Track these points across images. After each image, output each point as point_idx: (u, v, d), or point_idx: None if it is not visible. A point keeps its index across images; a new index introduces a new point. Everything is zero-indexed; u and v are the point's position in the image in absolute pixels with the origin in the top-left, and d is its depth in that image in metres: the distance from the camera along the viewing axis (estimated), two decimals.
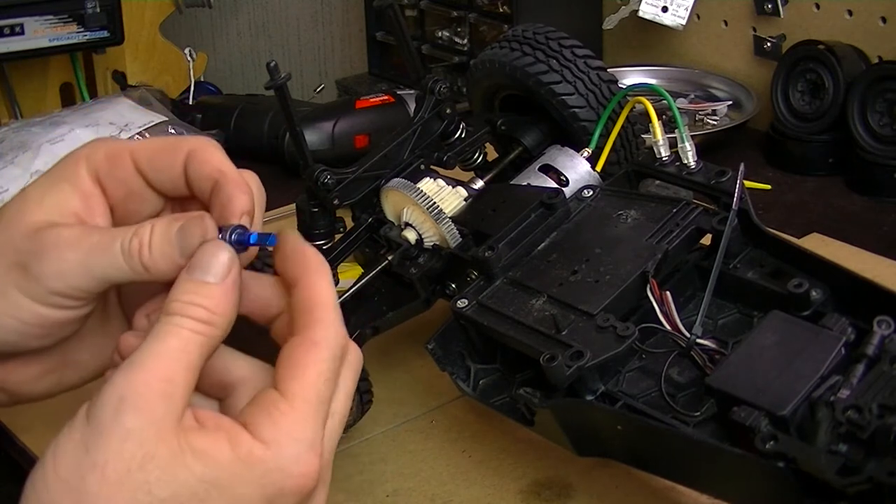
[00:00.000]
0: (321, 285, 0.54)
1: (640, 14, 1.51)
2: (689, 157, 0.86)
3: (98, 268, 0.55)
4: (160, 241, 0.55)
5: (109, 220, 0.60)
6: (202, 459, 0.49)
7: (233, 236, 0.55)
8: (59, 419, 0.93)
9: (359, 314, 0.90)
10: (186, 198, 0.60)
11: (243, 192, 0.56)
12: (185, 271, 0.53)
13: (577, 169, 0.92)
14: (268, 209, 1.32)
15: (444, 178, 0.93)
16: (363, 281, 0.89)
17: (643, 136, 0.97)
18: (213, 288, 0.52)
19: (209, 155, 0.58)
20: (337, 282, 0.92)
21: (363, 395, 0.85)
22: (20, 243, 0.56)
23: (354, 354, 0.55)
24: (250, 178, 0.59)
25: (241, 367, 0.56)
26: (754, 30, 1.47)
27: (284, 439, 0.50)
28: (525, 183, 0.92)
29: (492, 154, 1.01)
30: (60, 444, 0.50)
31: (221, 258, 0.53)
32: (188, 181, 0.58)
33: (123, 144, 0.59)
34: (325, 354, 0.52)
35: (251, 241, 0.55)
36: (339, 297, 0.88)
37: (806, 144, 1.35)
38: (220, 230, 0.55)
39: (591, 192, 0.88)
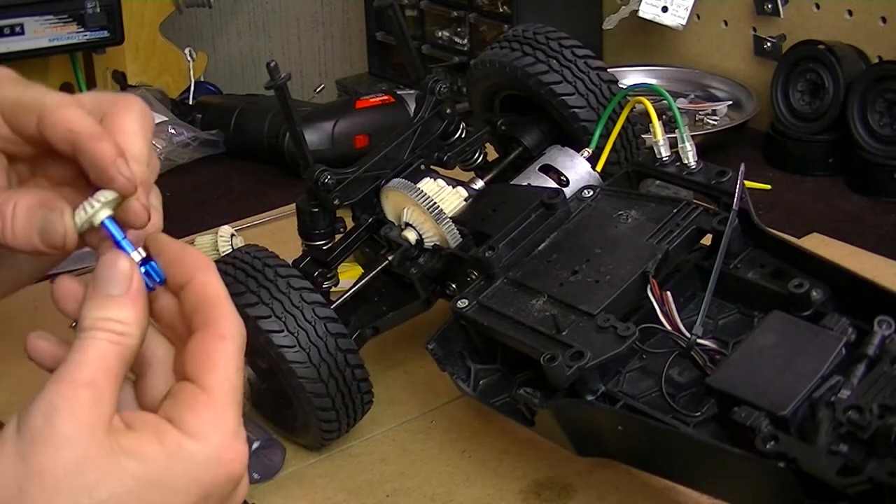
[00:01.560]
0: (212, 280, 0.56)
1: (640, 14, 1.51)
2: (690, 157, 0.86)
3: None
4: (22, 224, 0.56)
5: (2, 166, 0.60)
6: (135, 458, 0.50)
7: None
8: None
9: (359, 314, 0.90)
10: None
11: (101, 140, 0.56)
12: (91, 286, 0.55)
13: (578, 169, 0.92)
14: (268, 209, 1.33)
15: (445, 178, 0.93)
16: (363, 281, 0.89)
17: (643, 136, 0.97)
18: (121, 300, 0.54)
19: (57, 116, 0.57)
20: (337, 282, 0.92)
21: (363, 396, 0.85)
22: None
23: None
24: (128, 106, 0.59)
25: (158, 346, 0.57)
26: (754, 30, 1.47)
27: (210, 429, 0.52)
28: (525, 183, 0.92)
29: (492, 154, 1.01)
30: None
31: (121, 268, 0.54)
32: (48, 142, 0.58)
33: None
34: (233, 347, 0.54)
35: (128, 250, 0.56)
36: (339, 298, 0.88)
37: (806, 144, 1.35)
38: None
39: (591, 193, 0.88)
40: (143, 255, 0.56)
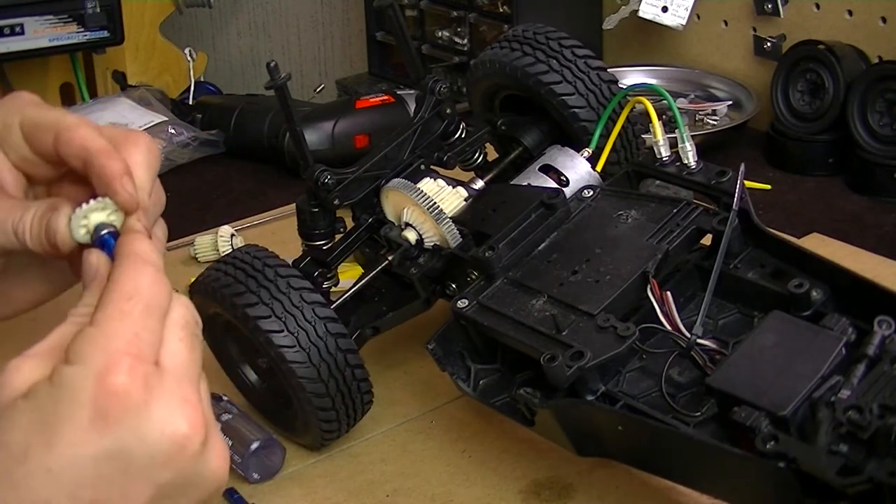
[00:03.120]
0: (138, 239, 0.59)
1: (640, 14, 1.51)
2: (690, 157, 0.86)
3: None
4: (36, 230, 0.62)
5: (17, 176, 0.66)
6: (26, 396, 0.53)
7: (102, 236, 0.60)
8: None
9: (359, 314, 0.90)
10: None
11: (111, 158, 0.61)
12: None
13: (578, 169, 0.92)
14: (268, 209, 1.33)
15: (445, 178, 0.93)
16: (363, 281, 0.89)
17: (643, 136, 0.97)
18: (91, 286, 0.58)
19: (73, 134, 0.62)
20: (337, 282, 0.92)
21: (363, 396, 0.85)
22: None
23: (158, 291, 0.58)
24: (137, 141, 0.63)
25: None
26: (754, 30, 1.47)
27: (88, 349, 0.53)
28: (525, 183, 0.92)
29: (492, 154, 1.01)
30: None
31: (90, 260, 0.59)
32: (63, 160, 0.63)
33: (16, 113, 0.64)
34: (126, 286, 0.56)
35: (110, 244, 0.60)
36: (339, 298, 0.88)
37: (806, 144, 1.35)
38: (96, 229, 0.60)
39: (591, 193, 0.88)
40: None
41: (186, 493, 0.55)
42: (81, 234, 0.60)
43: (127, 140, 0.63)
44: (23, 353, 0.54)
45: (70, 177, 0.65)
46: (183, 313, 0.57)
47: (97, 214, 0.60)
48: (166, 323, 0.56)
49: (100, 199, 0.60)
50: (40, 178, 0.66)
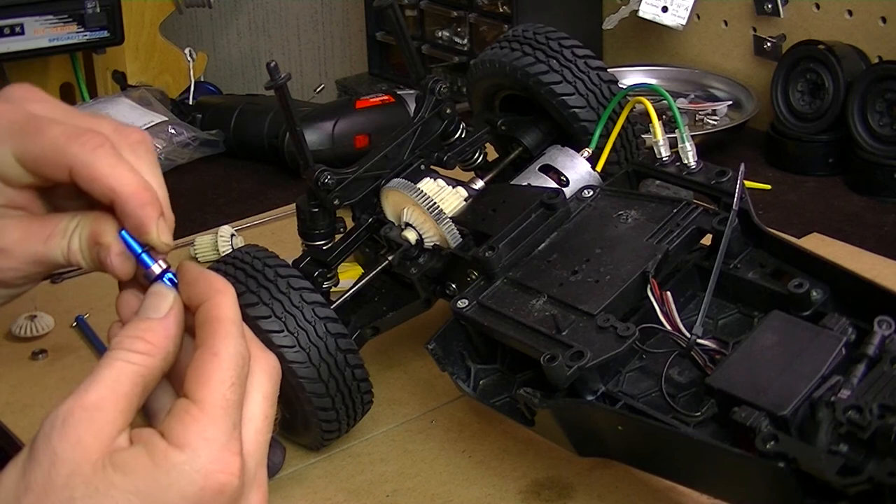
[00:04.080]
0: (225, 303, 0.56)
1: (640, 14, 1.51)
2: (690, 157, 0.86)
3: (46, 264, 0.62)
4: (88, 254, 0.60)
5: (32, 195, 0.62)
6: (121, 470, 0.51)
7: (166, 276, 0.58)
8: None
9: (359, 314, 0.90)
10: None
11: (142, 205, 0.58)
12: (135, 314, 0.57)
13: (578, 169, 0.92)
14: (268, 209, 1.33)
15: (445, 178, 0.93)
16: (363, 281, 0.89)
17: (643, 136, 0.97)
18: (154, 322, 0.56)
19: (94, 172, 0.58)
20: (337, 282, 0.92)
21: (363, 396, 0.85)
22: None
23: (266, 362, 0.58)
24: (137, 146, 0.61)
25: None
26: (754, 30, 1.47)
27: (196, 440, 0.52)
28: (525, 183, 0.92)
29: (492, 154, 1.01)
30: (9, 467, 0.53)
31: (167, 298, 0.57)
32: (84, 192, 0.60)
33: (7, 144, 0.60)
34: (226, 363, 0.55)
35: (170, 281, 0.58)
36: (339, 298, 0.88)
37: (806, 144, 1.35)
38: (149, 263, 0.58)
39: (591, 193, 0.88)
40: (164, 266, 0.58)
41: None
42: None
43: (127, 143, 0.60)
44: (75, 398, 0.53)
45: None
46: (267, 386, 0.57)
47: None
48: (250, 390, 0.56)
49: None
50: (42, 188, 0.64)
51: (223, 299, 0.57)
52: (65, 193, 0.63)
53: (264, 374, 0.58)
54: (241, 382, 0.55)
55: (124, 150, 0.60)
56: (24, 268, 0.62)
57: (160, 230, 0.58)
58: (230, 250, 1.04)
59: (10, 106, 0.61)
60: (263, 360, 0.58)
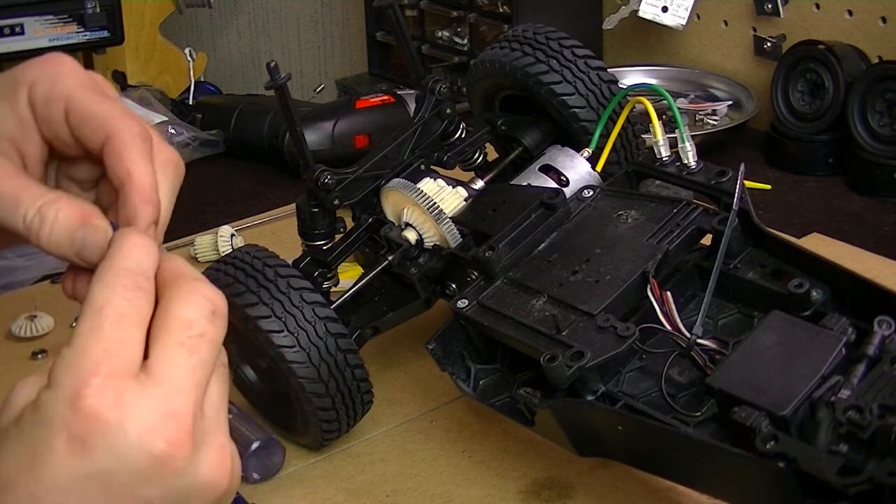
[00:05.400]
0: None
1: (640, 14, 1.51)
2: (690, 157, 0.86)
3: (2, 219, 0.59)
4: (60, 234, 0.58)
5: (42, 148, 0.62)
6: (16, 427, 0.52)
7: None
8: None
9: (359, 314, 0.90)
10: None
11: (146, 202, 0.59)
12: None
13: (578, 169, 0.92)
14: (268, 209, 1.33)
15: (445, 178, 0.93)
16: (363, 281, 0.89)
17: (643, 136, 0.97)
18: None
19: (121, 150, 0.60)
20: (337, 282, 0.92)
21: (363, 396, 0.85)
22: None
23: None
24: (167, 165, 0.61)
25: None
26: (754, 30, 1.47)
27: (62, 371, 0.52)
28: (525, 183, 0.92)
29: (492, 154, 1.01)
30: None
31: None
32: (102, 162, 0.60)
33: (62, 90, 0.61)
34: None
35: None
36: (339, 298, 0.88)
37: (806, 144, 1.35)
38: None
39: (591, 193, 0.88)
40: None
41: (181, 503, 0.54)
42: None
43: (160, 158, 0.61)
44: (30, 375, 0.54)
45: (91, 157, 0.63)
46: (190, 313, 0.55)
47: None
48: (166, 326, 0.54)
49: None
50: (63, 155, 0.65)
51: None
52: (76, 175, 0.64)
53: (190, 304, 0.55)
54: (115, 305, 0.54)
55: (156, 161, 0.61)
56: None
57: (149, 233, 0.58)
58: (230, 250, 1.04)
59: (80, 68, 0.62)
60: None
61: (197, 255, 1.17)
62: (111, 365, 0.52)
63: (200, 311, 0.55)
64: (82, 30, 1.41)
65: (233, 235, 1.16)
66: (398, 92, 1.40)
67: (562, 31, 0.98)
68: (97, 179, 0.64)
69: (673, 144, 0.87)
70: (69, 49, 1.44)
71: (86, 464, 0.51)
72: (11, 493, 0.51)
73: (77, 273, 0.61)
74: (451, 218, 0.88)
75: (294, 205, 0.93)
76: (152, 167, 0.60)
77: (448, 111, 0.94)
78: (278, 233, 1.22)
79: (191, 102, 1.55)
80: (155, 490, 0.52)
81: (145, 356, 0.53)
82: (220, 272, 0.84)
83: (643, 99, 0.91)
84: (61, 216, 0.59)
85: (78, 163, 0.64)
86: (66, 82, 0.62)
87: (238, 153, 1.44)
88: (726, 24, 1.51)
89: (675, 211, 0.83)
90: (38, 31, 1.39)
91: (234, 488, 0.56)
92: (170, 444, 0.52)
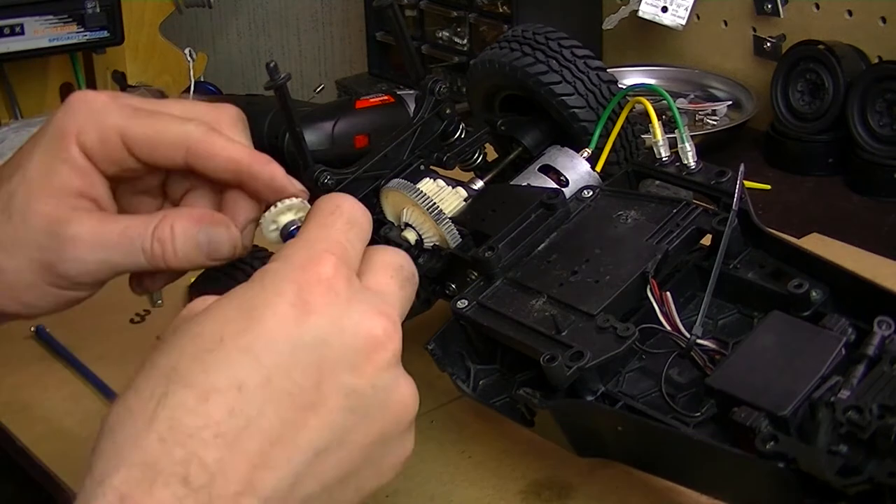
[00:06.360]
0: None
1: (640, 14, 1.51)
2: (689, 157, 0.86)
3: (119, 266, 0.63)
4: (185, 245, 0.62)
5: (108, 190, 0.65)
6: (227, 299, 0.54)
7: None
8: (59, 419, 0.93)
9: None
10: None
11: (270, 164, 0.63)
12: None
13: (577, 169, 0.92)
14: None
15: (444, 178, 0.93)
16: None
17: (643, 136, 0.97)
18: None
19: (212, 148, 0.62)
20: None
21: None
22: (42, 240, 0.62)
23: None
24: (230, 120, 0.68)
25: None
26: (754, 30, 1.48)
27: (292, 249, 0.54)
28: (525, 183, 0.92)
29: (492, 154, 1.01)
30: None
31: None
32: (196, 172, 0.62)
33: (113, 126, 0.63)
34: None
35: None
36: None
37: (806, 144, 1.35)
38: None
39: (591, 193, 0.88)
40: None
41: (370, 413, 0.53)
42: (273, 236, 0.64)
43: (220, 118, 0.66)
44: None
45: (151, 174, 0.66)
46: (399, 260, 0.57)
47: (284, 216, 0.64)
48: (378, 260, 0.57)
49: (283, 202, 0.64)
50: (122, 180, 0.66)
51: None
52: (142, 188, 0.65)
53: (397, 253, 0.58)
54: (346, 211, 0.57)
55: (225, 128, 0.64)
56: (91, 260, 0.62)
57: (292, 182, 0.63)
58: None
59: (110, 96, 0.64)
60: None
61: None
62: (344, 252, 0.54)
63: (406, 263, 0.58)
64: (82, 30, 1.41)
65: None
66: (398, 92, 1.40)
67: (562, 31, 0.98)
68: (162, 184, 0.66)
69: (673, 145, 0.87)
70: (69, 49, 1.44)
71: (305, 329, 0.51)
72: (218, 351, 0.51)
73: (141, 274, 0.63)
74: (450, 218, 0.88)
75: None
76: (236, 140, 0.64)
77: (448, 111, 0.94)
78: None
79: None
80: (358, 381, 0.53)
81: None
82: (219, 272, 0.84)
83: (643, 99, 0.91)
84: (178, 229, 0.61)
85: (140, 178, 0.65)
86: (110, 118, 0.63)
87: None
88: (726, 24, 1.51)
89: (674, 211, 0.83)
90: (38, 31, 1.39)
91: (413, 433, 0.58)
92: (386, 334, 0.54)
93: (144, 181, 0.67)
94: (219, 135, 0.62)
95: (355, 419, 0.53)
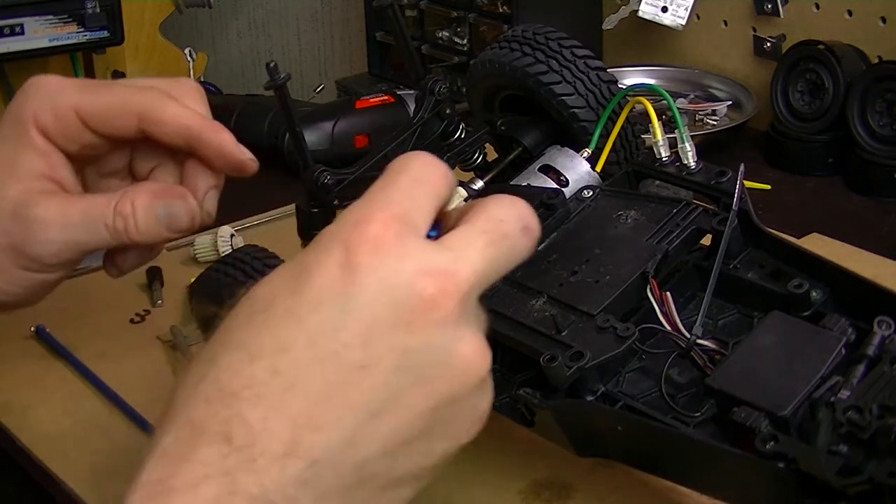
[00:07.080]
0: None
1: (640, 14, 1.51)
2: (689, 157, 0.86)
3: (85, 244, 0.64)
4: (146, 219, 0.63)
5: (72, 171, 0.66)
6: (282, 267, 0.55)
7: None
8: (59, 419, 0.93)
9: None
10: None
11: (221, 132, 0.64)
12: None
13: (577, 169, 0.92)
14: (268, 209, 1.33)
15: None
16: None
17: (643, 136, 0.97)
18: None
19: (163, 114, 0.63)
20: None
21: None
22: (8, 225, 0.64)
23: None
24: (190, 93, 0.67)
25: None
26: (754, 30, 1.48)
27: (346, 212, 0.55)
28: (525, 183, 0.92)
29: (492, 154, 1.01)
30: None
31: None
32: (151, 138, 0.63)
33: (68, 103, 0.64)
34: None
35: None
36: None
37: (806, 144, 1.35)
38: None
39: (590, 193, 0.88)
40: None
41: (429, 373, 0.51)
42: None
43: (177, 88, 0.65)
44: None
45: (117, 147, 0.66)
46: (503, 212, 0.54)
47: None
48: (474, 216, 0.54)
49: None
50: (90, 158, 0.66)
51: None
52: (109, 169, 0.66)
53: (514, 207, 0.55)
54: (414, 170, 0.55)
55: (181, 97, 0.64)
56: (58, 241, 0.63)
57: (242, 150, 0.65)
58: (230, 250, 1.04)
59: (66, 78, 0.66)
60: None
61: (197, 256, 1.17)
62: (401, 209, 0.53)
63: (513, 215, 0.55)
64: (82, 30, 1.41)
65: (232, 235, 1.16)
66: (398, 92, 1.40)
67: (562, 31, 0.98)
68: (128, 165, 0.67)
69: (673, 144, 0.87)
70: (69, 49, 1.44)
71: (351, 290, 0.50)
72: (267, 311, 0.50)
73: (113, 253, 0.63)
74: None
75: (294, 205, 0.93)
76: (190, 108, 0.64)
77: (448, 111, 0.94)
78: (278, 233, 1.22)
79: None
80: (414, 340, 0.50)
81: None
82: (219, 273, 0.84)
83: (643, 99, 0.91)
84: (138, 204, 0.62)
85: (105, 159, 0.66)
86: (63, 97, 0.64)
87: None
88: (726, 24, 1.51)
89: (674, 211, 0.83)
90: (38, 31, 1.39)
91: (490, 391, 0.55)
92: (440, 292, 0.51)
93: (110, 162, 0.67)
94: (172, 101, 0.63)
95: (412, 379, 0.51)
